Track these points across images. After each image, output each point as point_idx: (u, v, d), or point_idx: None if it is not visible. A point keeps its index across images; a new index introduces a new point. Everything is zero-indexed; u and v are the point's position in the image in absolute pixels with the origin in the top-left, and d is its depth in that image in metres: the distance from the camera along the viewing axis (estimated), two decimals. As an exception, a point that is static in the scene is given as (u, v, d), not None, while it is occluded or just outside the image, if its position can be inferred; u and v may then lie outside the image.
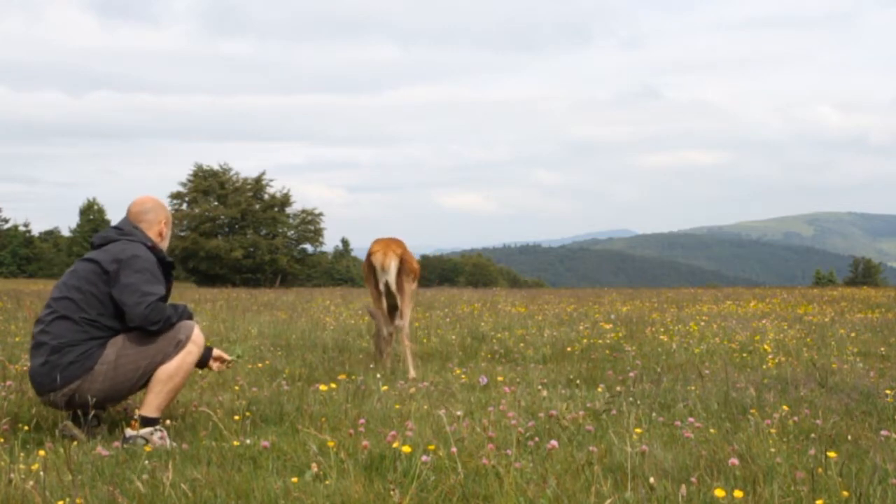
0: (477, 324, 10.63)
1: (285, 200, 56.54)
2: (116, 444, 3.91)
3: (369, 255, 6.93)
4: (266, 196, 56.42)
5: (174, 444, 4.04)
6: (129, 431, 4.14)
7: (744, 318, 11.93)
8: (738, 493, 2.95)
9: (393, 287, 6.82)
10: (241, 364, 6.80)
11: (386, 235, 7.20)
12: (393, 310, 6.99)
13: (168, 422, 4.38)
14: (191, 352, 4.28)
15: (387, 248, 6.86)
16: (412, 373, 6.61)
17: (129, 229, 4.44)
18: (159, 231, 4.54)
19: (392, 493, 3.11)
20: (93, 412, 4.28)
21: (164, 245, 4.55)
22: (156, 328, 4.21)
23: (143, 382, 4.28)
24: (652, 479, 3.20)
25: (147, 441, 4.05)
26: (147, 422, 4.16)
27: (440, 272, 75.05)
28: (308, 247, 58.27)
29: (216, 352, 4.54)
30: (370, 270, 6.90)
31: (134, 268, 4.23)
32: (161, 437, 4.10)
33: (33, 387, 4.30)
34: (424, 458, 3.39)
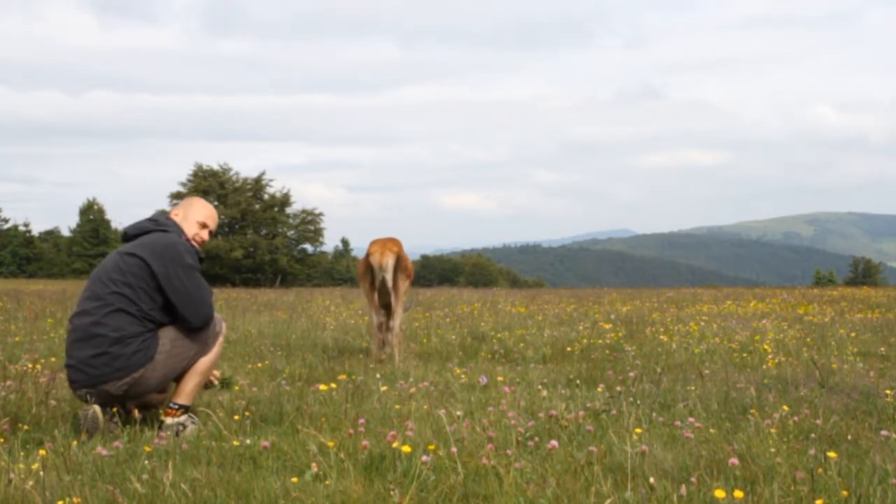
0: (477, 324, 10.63)
1: (285, 200, 56.57)
2: (117, 443, 3.90)
3: (367, 255, 7.11)
4: (266, 196, 56.46)
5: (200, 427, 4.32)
6: (168, 420, 4.30)
7: (744, 318, 11.93)
8: (738, 493, 2.95)
9: (389, 284, 6.96)
10: None
11: (384, 236, 7.34)
12: (387, 308, 7.11)
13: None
14: (221, 343, 4.58)
15: (384, 248, 7.04)
16: (398, 360, 7.02)
17: (163, 220, 4.51)
18: (196, 233, 4.64)
19: (392, 493, 3.11)
20: (116, 409, 4.34)
21: (198, 245, 4.64)
22: (208, 326, 4.46)
23: (183, 372, 4.45)
24: (652, 479, 3.20)
25: (186, 427, 4.29)
26: (185, 409, 4.37)
27: (440, 272, 75.00)
28: (308, 247, 58.35)
29: None
30: (367, 270, 7.10)
31: (182, 264, 4.32)
32: (194, 422, 4.37)
33: (79, 378, 4.23)
34: (424, 458, 3.39)
